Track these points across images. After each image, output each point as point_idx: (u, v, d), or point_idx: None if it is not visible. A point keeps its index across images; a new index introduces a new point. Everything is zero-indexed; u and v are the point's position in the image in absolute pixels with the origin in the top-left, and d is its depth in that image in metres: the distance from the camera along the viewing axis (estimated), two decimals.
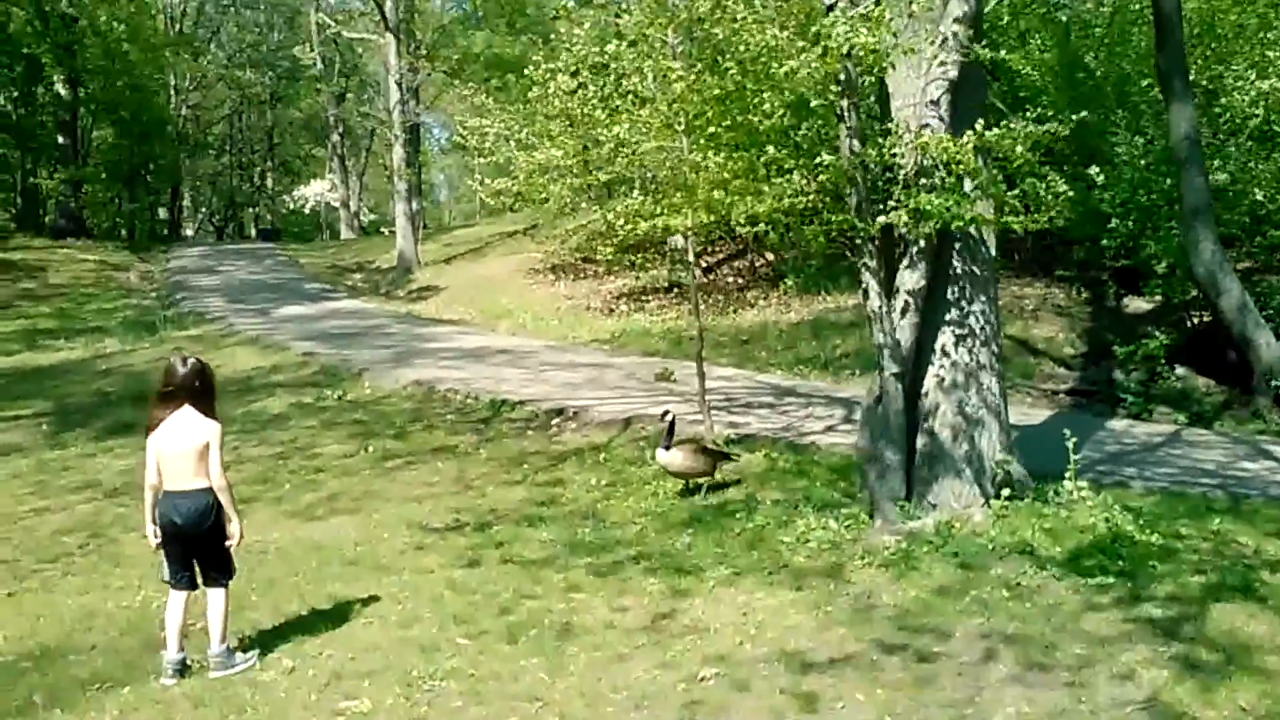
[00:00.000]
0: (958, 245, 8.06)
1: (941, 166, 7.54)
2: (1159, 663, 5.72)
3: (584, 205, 23.43)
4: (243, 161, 61.42)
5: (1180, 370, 15.00)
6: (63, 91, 38.91)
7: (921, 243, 7.76)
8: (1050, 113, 14.08)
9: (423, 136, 46.01)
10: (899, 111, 8.03)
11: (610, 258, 17.83)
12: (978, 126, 7.40)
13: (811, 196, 7.81)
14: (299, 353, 18.27)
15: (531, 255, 28.47)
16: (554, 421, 12.71)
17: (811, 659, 6.02)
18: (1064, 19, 20.15)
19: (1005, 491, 7.94)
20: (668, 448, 9.32)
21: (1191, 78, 14.94)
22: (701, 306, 20.28)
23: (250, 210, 62.37)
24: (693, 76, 9.01)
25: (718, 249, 24.36)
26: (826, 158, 7.51)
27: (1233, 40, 17.16)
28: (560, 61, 11.73)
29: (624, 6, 12.85)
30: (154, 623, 7.09)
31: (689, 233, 11.31)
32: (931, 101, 7.83)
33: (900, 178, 7.65)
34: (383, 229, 50.95)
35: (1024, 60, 18.05)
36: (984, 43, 8.19)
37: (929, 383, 8.14)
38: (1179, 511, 8.33)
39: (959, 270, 8.10)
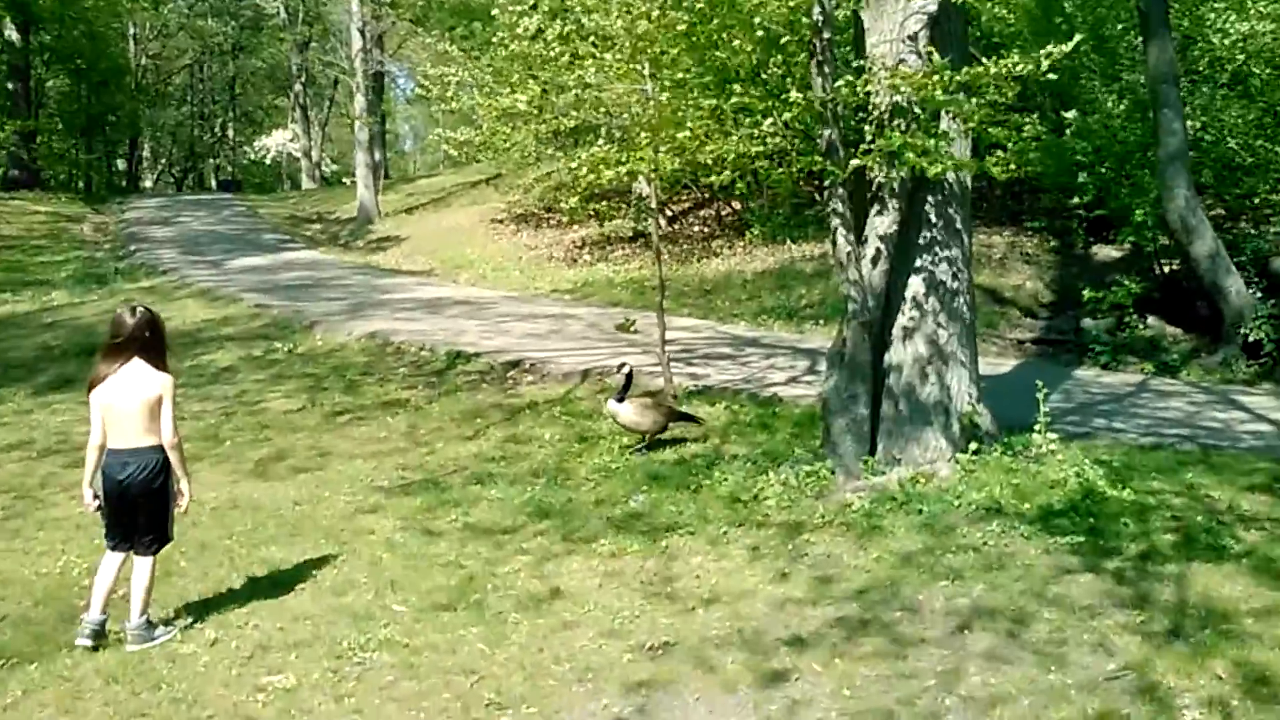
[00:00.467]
0: (932, 189, 7.65)
1: (917, 106, 7.10)
2: (1133, 629, 5.39)
3: (549, 154, 22.96)
4: (204, 112, 60.13)
5: (1150, 319, 14.74)
6: (14, 38, 37.74)
7: (895, 186, 7.35)
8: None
9: (387, 86, 45.14)
10: (874, 48, 7.58)
11: (574, 208, 17.42)
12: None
13: (780, 139, 7.38)
14: (251, 305, 17.74)
15: (495, 206, 27.92)
16: (510, 374, 12.31)
17: (768, 628, 5.67)
18: None
19: (973, 445, 7.61)
20: (620, 399, 8.95)
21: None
22: (665, 256, 19.92)
23: (211, 161, 61.17)
24: (656, 10, 8.52)
25: (683, 198, 23.92)
26: (795, 95, 7.05)
27: None
28: (525, 3, 11.23)
29: None
30: (72, 591, 6.69)
31: (654, 179, 10.90)
32: (909, 37, 7.39)
33: (874, 118, 7.21)
34: (345, 180, 49.96)
35: (1000, 2, 17.63)
36: None
37: (896, 332, 7.77)
38: (1150, 465, 8.00)
39: (933, 215, 7.71)
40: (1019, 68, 6.98)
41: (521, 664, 5.36)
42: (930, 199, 7.75)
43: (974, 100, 7.57)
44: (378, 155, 33.08)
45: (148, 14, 46.25)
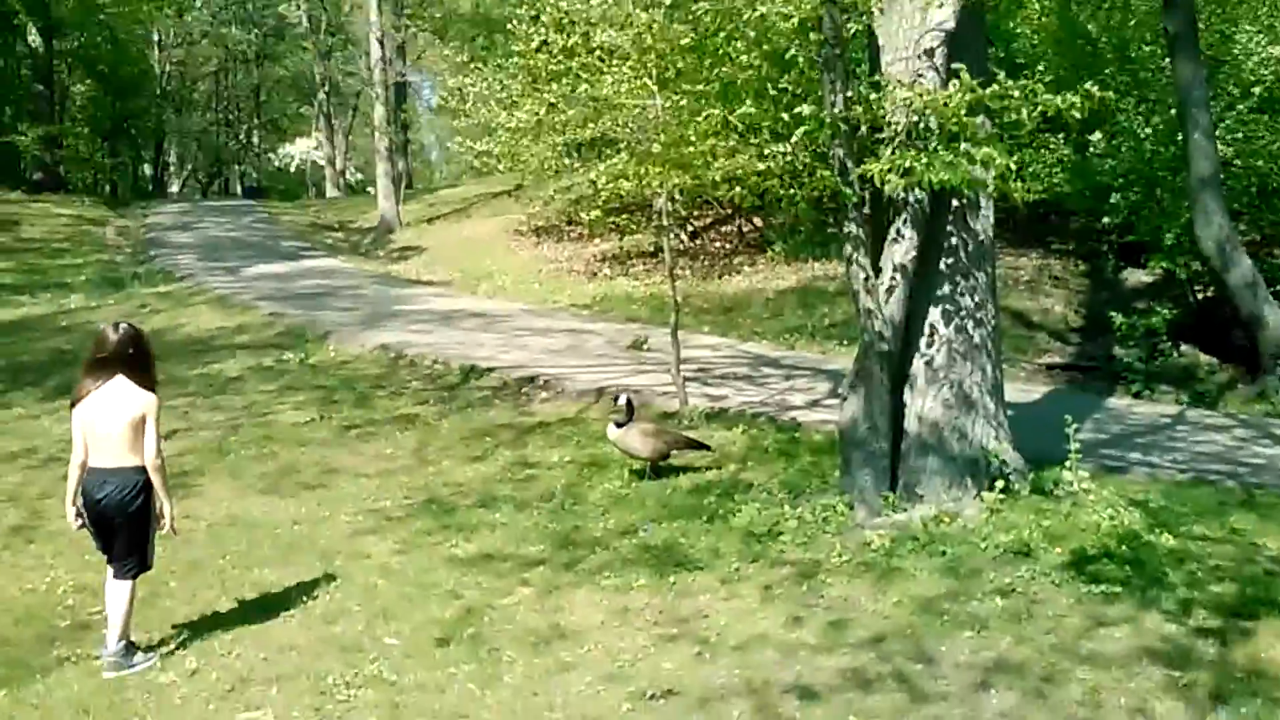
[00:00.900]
0: (953, 213, 7.31)
1: (935, 125, 6.76)
2: (1174, 693, 4.99)
3: (569, 165, 22.70)
4: (229, 118, 60.20)
5: (1184, 347, 14.35)
6: (37, 43, 37.79)
7: (914, 208, 7.00)
8: (1049, 79, 13.40)
9: (409, 96, 45.05)
10: (890, 66, 7.24)
11: (593, 221, 17.15)
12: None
13: (791, 156, 7.05)
14: (265, 313, 17.51)
15: (515, 217, 27.66)
16: (524, 390, 12.02)
17: (777, 677, 5.32)
18: None
19: (999, 484, 7.22)
20: (620, 425, 8.66)
21: None
22: (686, 272, 19.65)
23: (236, 167, 61.23)
24: (659, 24, 8.24)
25: (705, 213, 23.60)
26: (806, 109, 6.69)
27: (1239, 4, 16.38)
28: (545, 15, 11.01)
29: None
30: (56, 611, 6.45)
31: (669, 195, 10.62)
32: (925, 52, 7.06)
33: (888, 138, 6.86)
34: (369, 188, 49.89)
35: (1023, 23, 17.30)
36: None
37: (918, 363, 7.41)
38: (1189, 505, 7.59)
39: (954, 241, 7.36)
40: (1043, 104, 6.60)
41: (514, 709, 5.05)
42: (952, 222, 7.40)
43: (994, 122, 7.25)
44: (400, 165, 32.91)
45: (171, 21, 46.32)
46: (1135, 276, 17.17)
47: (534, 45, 10.36)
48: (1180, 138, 13.83)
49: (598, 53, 9.70)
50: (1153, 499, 7.63)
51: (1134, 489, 7.93)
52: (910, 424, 7.38)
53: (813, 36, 6.98)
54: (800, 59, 6.98)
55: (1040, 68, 16.37)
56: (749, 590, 6.35)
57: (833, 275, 18.74)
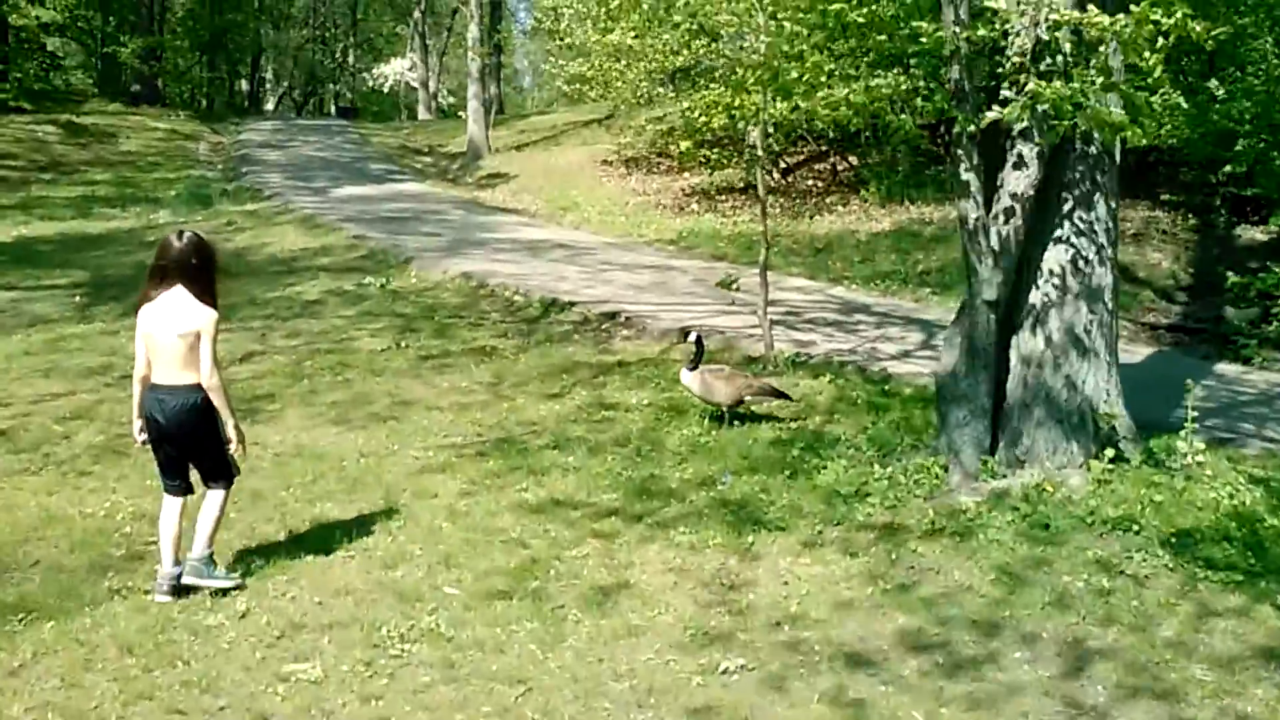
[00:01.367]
0: (1076, 150, 6.67)
1: (1066, 49, 6.09)
2: None
3: (662, 94, 22.12)
4: (325, 36, 60.30)
5: None
6: None
7: (1035, 140, 6.37)
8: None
9: (505, 17, 44.54)
10: None
11: (685, 153, 16.64)
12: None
13: (904, 81, 6.48)
14: (349, 235, 17.39)
15: (606, 147, 27.17)
16: (605, 327, 11.67)
17: (859, 655, 4.92)
18: None
19: (1109, 451, 6.66)
20: (693, 368, 8.27)
21: None
22: (776, 210, 19.01)
23: (331, 86, 61.40)
24: None
25: (798, 149, 22.89)
26: (925, 28, 6.07)
27: None
28: None
29: None
30: (112, 538, 6.29)
31: (763, 126, 10.09)
32: None
33: (1012, 62, 6.20)
34: (460, 112, 49.71)
35: None
36: None
37: (1027, 313, 6.82)
38: None
39: (1076, 180, 6.71)
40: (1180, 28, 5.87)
41: (575, 675, 4.71)
42: (1074, 161, 6.76)
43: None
44: (491, 89, 32.54)
45: None
46: (1249, 234, 16.21)
47: None
48: None
49: None
50: (1274, 477, 7.03)
51: (1249, 464, 7.31)
52: (1015, 377, 6.83)
53: None
54: None
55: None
56: (831, 556, 5.93)
57: (928, 220, 18.04)
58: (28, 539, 6.25)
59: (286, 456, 7.73)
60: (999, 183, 6.61)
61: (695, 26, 10.47)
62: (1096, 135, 6.44)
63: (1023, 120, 6.13)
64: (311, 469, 7.45)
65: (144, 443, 5.62)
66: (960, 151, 6.52)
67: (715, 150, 17.09)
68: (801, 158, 23.07)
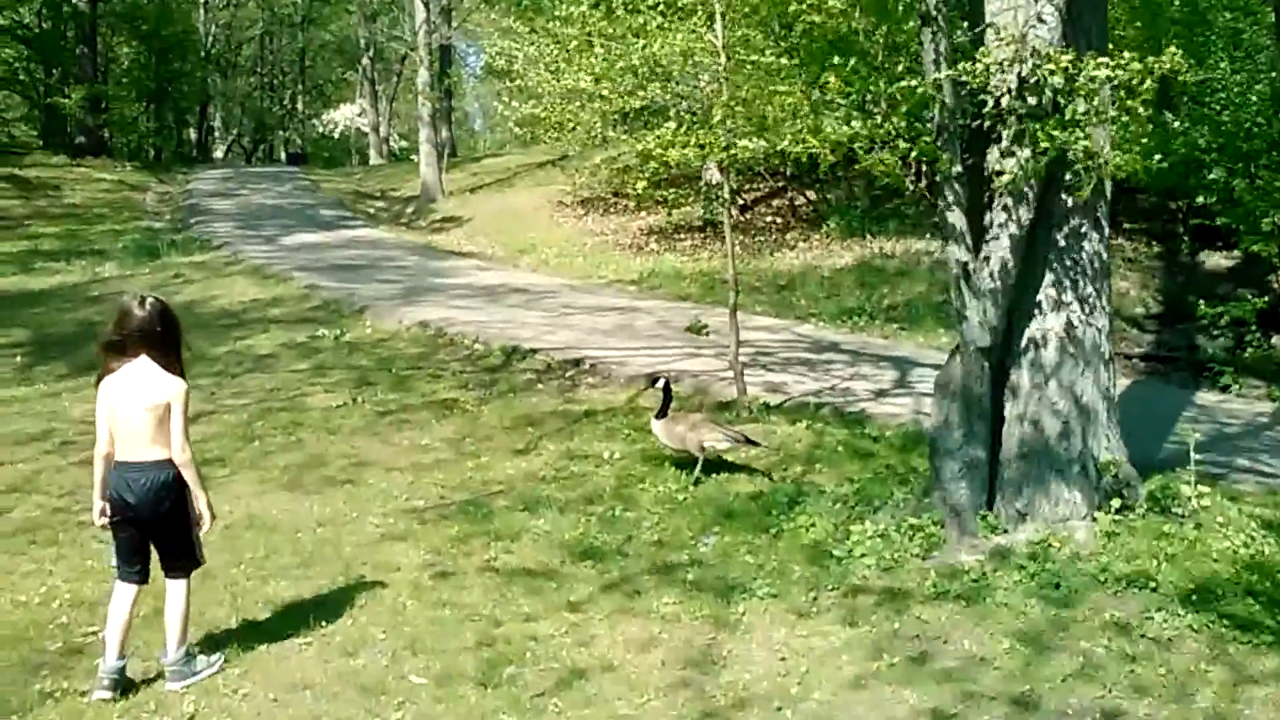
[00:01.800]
0: (1067, 187, 6.35)
1: (1052, 90, 5.79)
2: None
3: (615, 134, 21.84)
4: (273, 83, 59.80)
5: (1276, 338, 13.33)
6: (81, 3, 37.27)
7: (1027, 183, 6.04)
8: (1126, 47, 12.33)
9: (455, 62, 44.26)
10: (996, 15, 6.26)
11: (641, 192, 16.35)
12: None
13: (883, 121, 6.15)
14: (301, 285, 16.89)
15: (560, 188, 26.88)
16: (570, 374, 11.26)
17: None
18: None
19: (1114, 501, 6.31)
20: (661, 415, 7.93)
21: None
22: (736, 248, 18.72)
23: (281, 133, 60.82)
24: None
25: (756, 185, 22.70)
26: (904, 86, 5.74)
27: None
28: None
29: None
30: (46, 630, 5.74)
31: (727, 163, 9.77)
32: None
33: (999, 102, 5.89)
34: (412, 156, 49.35)
35: None
36: None
37: (1023, 358, 6.47)
38: None
39: (1068, 219, 6.39)
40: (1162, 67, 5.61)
41: None
42: (1065, 199, 6.46)
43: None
44: (443, 132, 32.18)
45: None
46: (1213, 259, 16.16)
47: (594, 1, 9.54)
48: None
49: (660, 5, 8.85)
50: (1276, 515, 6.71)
51: (1251, 502, 7.02)
52: (1011, 430, 6.46)
53: None
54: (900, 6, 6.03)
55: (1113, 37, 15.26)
56: (828, 626, 5.51)
57: (890, 254, 17.87)
58: None
59: (238, 529, 7.22)
60: (987, 223, 6.27)
61: (648, 70, 10.17)
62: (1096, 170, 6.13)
63: (1033, 174, 5.80)
64: (264, 542, 6.96)
65: (104, 525, 5.15)
66: (946, 193, 6.18)
67: (672, 190, 16.83)
68: (760, 193, 22.87)
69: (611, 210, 24.43)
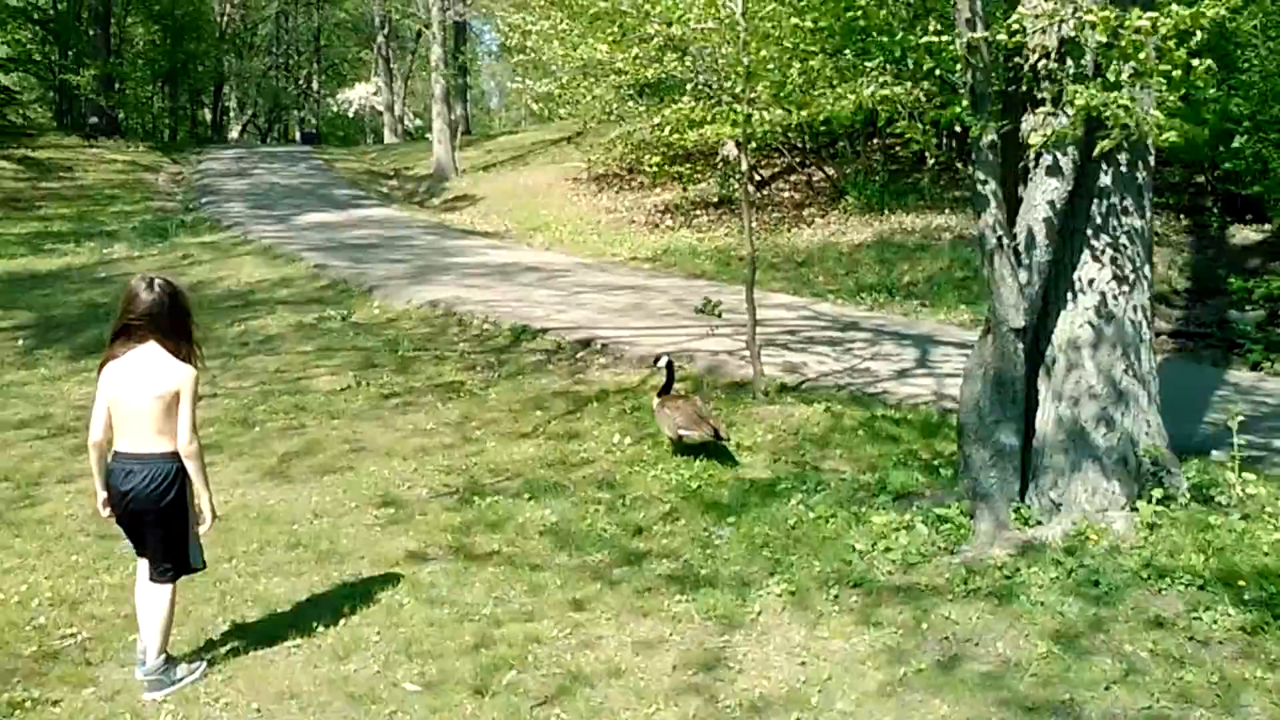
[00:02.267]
0: (1108, 157, 5.90)
1: (1093, 48, 5.37)
2: None
3: (631, 109, 21.49)
4: (288, 63, 59.51)
5: None
6: None
7: (1066, 153, 5.63)
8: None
9: (469, 39, 43.84)
10: None
11: (656, 169, 15.98)
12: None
13: (913, 86, 5.76)
14: (310, 265, 16.58)
15: (575, 165, 26.49)
16: (580, 355, 10.91)
17: None
18: None
19: (1156, 491, 5.91)
20: (661, 395, 7.69)
21: None
22: (754, 224, 18.33)
23: (295, 113, 60.56)
24: None
25: (773, 161, 22.25)
26: (932, 39, 5.34)
27: None
28: None
29: None
30: (22, 632, 5.43)
31: (744, 139, 9.37)
32: None
33: (1036, 65, 5.48)
34: (427, 134, 49.01)
35: None
36: None
37: (1059, 340, 6.08)
38: None
39: (1109, 191, 5.99)
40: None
41: None
42: (1106, 170, 6.04)
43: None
44: (457, 110, 31.80)
45: None
46: (1243, 233, 15.65)
47: None
48: None
49: None
50: None
51: None
52: (1045, 414, 6.07)
53: None
54: None
55: None
56: (851, 626, 5.16)
57: (910, 229, 17.43)
58: None
59: (231, 520, 6.88)
60: (1023, 196, 5.86)
61: (664, 41, 9.77)
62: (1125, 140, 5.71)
63: (1073, 139, 5.38)
64: (258, 534, 6.65)
65: (109, 516, 4.90)
66: (979, 162, 5.76)
67: (688, 165, 16.43)
68: (777, 169, 22.43)
69: (626, 187, 24.04)
